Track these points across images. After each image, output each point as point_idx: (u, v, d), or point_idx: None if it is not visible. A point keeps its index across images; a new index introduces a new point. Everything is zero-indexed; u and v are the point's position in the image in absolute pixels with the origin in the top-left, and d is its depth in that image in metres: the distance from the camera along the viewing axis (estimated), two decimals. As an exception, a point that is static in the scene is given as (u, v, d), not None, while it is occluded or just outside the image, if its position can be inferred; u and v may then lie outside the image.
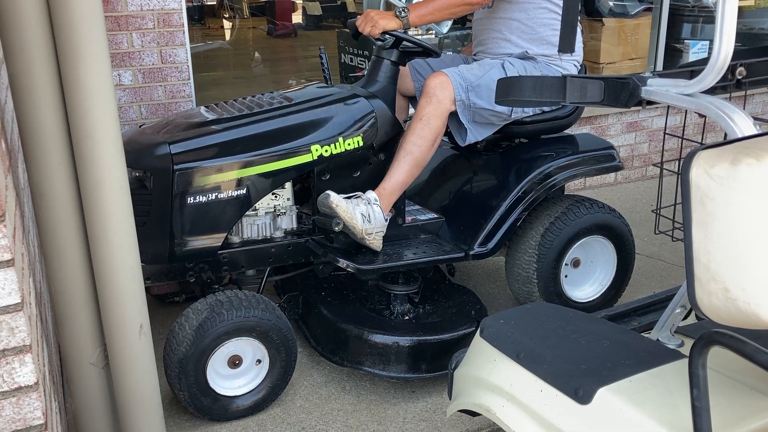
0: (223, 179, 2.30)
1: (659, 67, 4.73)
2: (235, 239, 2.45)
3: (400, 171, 2.47)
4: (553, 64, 2.60)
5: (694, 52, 5.01)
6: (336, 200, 2.32)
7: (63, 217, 1.63)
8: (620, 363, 1.42)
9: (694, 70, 1.54)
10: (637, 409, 1.28)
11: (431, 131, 2.47)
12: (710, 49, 4.52)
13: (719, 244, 1.11)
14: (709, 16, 5.80)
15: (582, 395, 1.34)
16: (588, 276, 2.83)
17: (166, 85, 3.35)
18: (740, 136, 1.31)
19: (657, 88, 1.46)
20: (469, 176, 2.85)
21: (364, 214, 2.36)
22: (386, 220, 2.44)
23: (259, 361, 2.29)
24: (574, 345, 1.52)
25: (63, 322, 1.71)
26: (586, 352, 1.48)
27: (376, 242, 2.42)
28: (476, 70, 2.56)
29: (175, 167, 2.23)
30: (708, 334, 1.09)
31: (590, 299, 2.83)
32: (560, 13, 2.53)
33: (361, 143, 2.47)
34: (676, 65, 4.99)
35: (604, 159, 2.72)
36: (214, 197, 2.30)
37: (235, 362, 2.25)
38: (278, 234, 2.52)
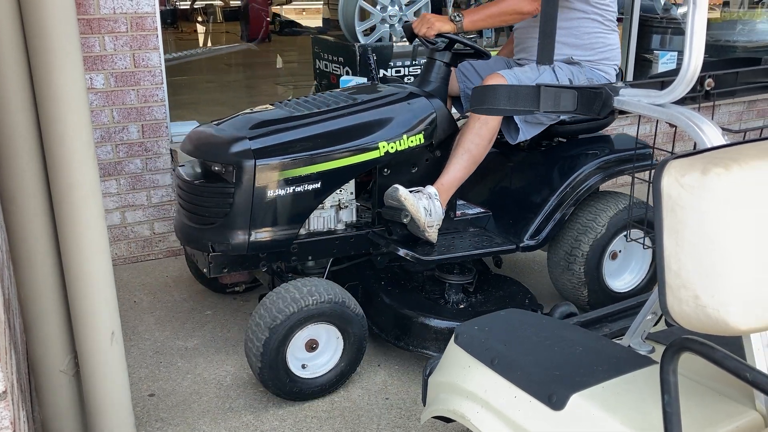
0: (300, 173, 2.44)
1: (629, 77, 4.80)
2: (302, 231, 2.56)
3: (458, 167, 2.59)
4: (596, 69, 2.76)
5: (663, 62, 5.10)
6: (404, 194, 2.44)
7: (33, 222, 1.60)
8: (593, 369, 1.43)
9: (664, 80, 1.56)
10: (609, 414, 1.30)
11: (489, 130, 2.59)
12: (679, 59, 4.64)
13: (690, 252, 1.13)
14: (677, 28, 5.92)
15: (555, 401, 1.35)
16: (625, 267, 2.99)
17: (139, 89, 3.31)
18: (709, 145, 1.33)
19: (629, 98, 1.48)
20: (513, 173, 2.98)
21: (426, 207, 2.48)
22: (443, 214, 2.56)
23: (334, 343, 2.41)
24: (548, 351, 1.54)
25: (32, 329, 1.68)
26: (559, 359, 1.49)
27: (434, 235, 2.53)
28: (529, 73, 2.69)
29: (257, 162, 2.36)
30: (679, 341, 1.11)
31: (628, 289, 2.98)
32: (603, 22, 2.77)
33: (422, 140, 2.61)
34: (645, 75, 5.07)
35: (642, 158, 2.86)
36: (291, 190, 2.45)
37: (312, 346, 2.36)
38: (340, 226, 2.65)
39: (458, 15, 2.65)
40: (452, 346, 1.68)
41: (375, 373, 2.55)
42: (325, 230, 2.61)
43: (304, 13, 11.81)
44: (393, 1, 4.32)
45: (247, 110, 2.72)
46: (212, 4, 10.24)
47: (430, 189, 2.54)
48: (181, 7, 10.22)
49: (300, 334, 2.31)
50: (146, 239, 3.50)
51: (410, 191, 2.48)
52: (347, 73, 4.22)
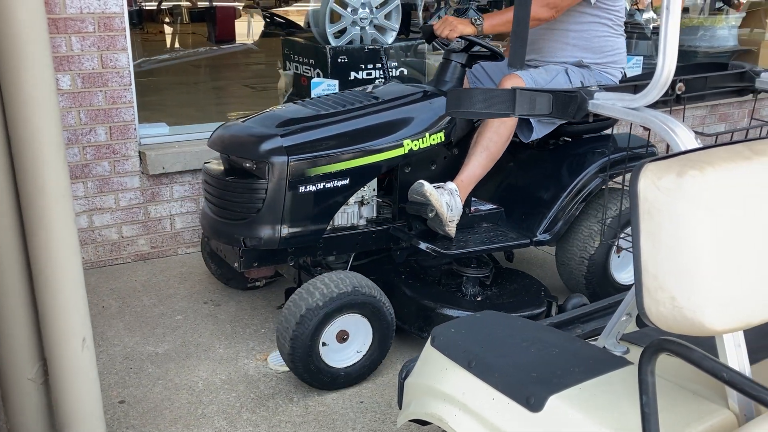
0: (329, 170, 2.52)
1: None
2: (327, 226, 2.63)
3: (477, 164, 2.68)
4: (604, 72, 2.89)
5: (629, 66, 5.17)
6: (429, 189, 2.53)
7: (1, 226, 1.56)
8: (569, 371, 1.44)
9: (637, 84, 1.59)
10: (587, 415, 1.31)
11: (507, 128, 2.67)
12: (646, 64, 4.70)
13: (667, 254, 1.15)
14: (641, 33, 6.02)
15: (533, 403, 1.36)
16: (629, 260, 3.03)
17: (107, 91, 3.25)
18: (683, 149, 1.36)
19: (603, 101, 1.50)
20: (522, 171, 3.07)
21: (447, 203, 2.57)
22: (462, 209, 2.66)
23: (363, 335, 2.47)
24: (524, 353, 1.54)
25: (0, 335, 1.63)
26: (536, 360, 1.50)
27: (453, 230, 2.62)
28: (544, 75, 2.81)
29: (290, 159, 2.44)
30: (657, 342, 1.12)
31: (632, 282, 3.07)
32: (612, 26, 2.89)
33: (443, 138, 2.71)
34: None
35: (648, 156, 2.93)
36: (321, 187, 2.53)
37: (343, 337, 2.42)
38: (362, 222, 2.75)
39: (479, 19, 2.78)
40: (429, 349, 1.68)
41: (349, 376, 2.53)
42: (348, 225, 2.70)
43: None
44: (364, 3, 4.32)
45: (272, 108, 2.80)
46: (179, 5, 10.11)
47: (451, 185, 2.63)
48: (147, 8, 10.08)
49: (333, 324, 2.37)
50: (114, 243, 3.44)
51: (437, 185, 2.59)
52: (318, 75, 4.20)
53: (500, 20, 2.79)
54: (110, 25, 3.19)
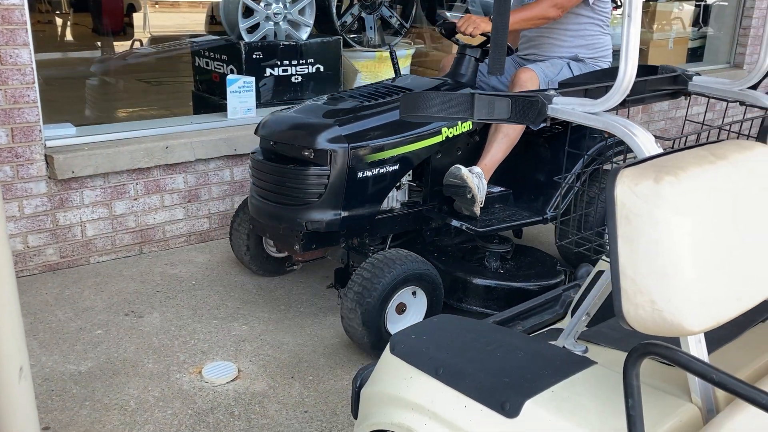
0: (383, 157, 2.76)
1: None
2: (379, 209, 2.87)
3: (498, 149, 2.94)
4: (596, 65, 3.27)
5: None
6: (466, 173, 2.79)
7: None
8: (539, 374, 1.45)
9: (587, 88, 1.62)
10: (564, 418, 1.32)
11: None
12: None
13: (645, 259, 1.17)
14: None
15: (509, 409, 1.36)
16: None
17: (7, 90, 3.00)
18: (645, 152, 1.39)
19: (563, 106, 1.52)
20: (525, 155, 3.23)
21: (477, 185, 2.82)
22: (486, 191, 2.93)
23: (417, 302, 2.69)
24: (491, 357, 1.54)
25: None
26: (505, 365, 1.50)
27: (479, 210, 2.89)
28: (552, 69, 3.14)
29: (350, 146, 2.65)
30: (642, 346, 1.15)
31: None
32: (601, 26, 3.24)
33: (470, 126, 2.99)
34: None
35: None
36: (376, 172, 2.76)
37: (402, 309, 2.65)
38: (398, 205, 2.98)
39: None
40: (389, 357, 1.65)
41: (289, 385, 2.47)
42: (388, 209, 2.93)
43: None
44: (277, -2, 4.21)
45: (311, 100, 3.01)
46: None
47: (477, 169, 2.89)
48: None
49: (396, 296, 2.58)
50: (19, 254, 3.18)
51: (468, 168, 2.83)
52: (231, 72, 4.05)
53: (515, 19, 3.00)
54: (9, 18, 2.94)
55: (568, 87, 1.67)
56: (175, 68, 6.92)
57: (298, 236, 2.72)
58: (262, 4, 4.17)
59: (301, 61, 4.21)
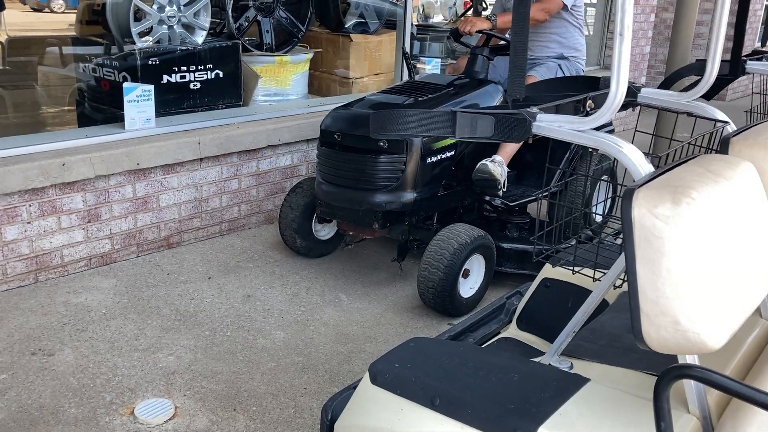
0: (444, 144, 3.21)
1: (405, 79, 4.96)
2: (440, 191, 3.31)
3: None
4: (577, 63, 3.79)
5: (430, 69, 5.38)
6: (493, 168, 3.18)
7: None
8: (541, 397, 1.43)
9: (577, 105, 1.62)
10: (583, 441, 1.31)
11: None
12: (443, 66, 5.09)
13: (668, 280, 1.17)
14: (435, 36, 6.30)
15: (524, 438, 1.32)
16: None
17: None
18: (639, 169, 1.40)
19: (548, 124, 1.50)
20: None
21: (501, 173, 3.20)
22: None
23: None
24: (487, 382, 1.50)
25: None
26: (503, 390, 1.47)
27: (501, 192, 3.30)
28: (548, 72, 3.61)
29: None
30: (675, 369, 1.14)
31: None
32: (578, 27, 3.76)
33: None
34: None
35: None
36: (439, 158, 3.23)
37: (466, 274, 3.10)
38: (444, 185, 3.37)
39: (493, 16, 3.50)
40: (369, 388, 1.57)
41: (233, 419, 2.31)
42: (442, 189, 3.34)
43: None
44: (171, 1, 3.96)
45: (363, 96, 3.37)
46: None
47: (498, 158, 3.27)
48: None
49: (466, 264, 3.02)
50: None
51: (491, 161, 3.21)
52: (125, 79, 3.76)
53: (508, 18, 3.40)
54: None
55: (538, 96, 1.66)
56: (46, 75, 6.35)
57: (377, 217, 3.11)
58: (155, 6, 3.91)
59: (199, 67, 3.99)
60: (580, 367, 1.66)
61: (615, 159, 3.51)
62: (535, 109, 1.52)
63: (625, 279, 1.89)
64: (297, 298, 3.17)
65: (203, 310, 3.01)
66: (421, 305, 3.13)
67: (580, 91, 1.97)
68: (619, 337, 1.79)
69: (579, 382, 1.49)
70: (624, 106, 1.98)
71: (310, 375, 2.57)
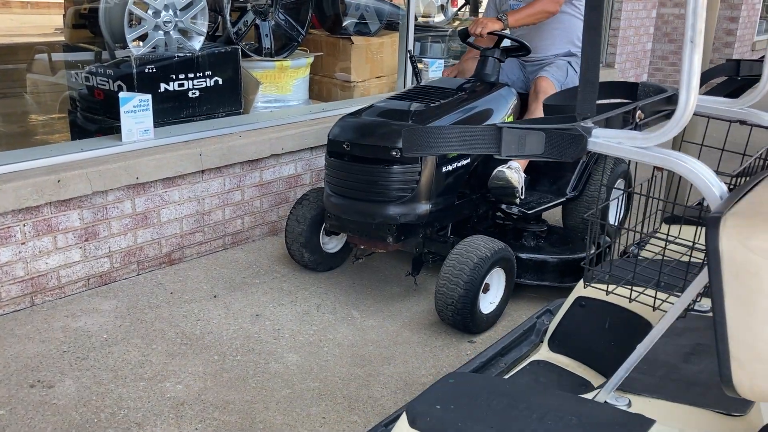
0: (458, 153, 3.01)
1: (408, 83, 4.81)
2: (455, 201, 3.19)
3: None
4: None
5: (433, 70, 5.23)
6: (510, 174, 3.07)
7: None
8: (608, 444, 1.29)
9: (626, 117, 1.47)
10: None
11: None
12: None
13: (766, 321, 1.03)
14: (436, 36, 6.15)
15: (596, 494, 1.18)
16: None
17: None
18: (715, 192, 1.25)
19: (605, 140, 1.35)
20: None
21: (518, 180, 3.10)
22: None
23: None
24: (542, 427, 1.36)
25: None
26: (565, 437, 1.32)
27: (518, 200, 3.17)
28: (559, 72, 3.48)
29: None
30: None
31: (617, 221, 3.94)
32: (581, 19, 3.45)
33: (512, 119, 3.32)
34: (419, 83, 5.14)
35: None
36: (454, 167, 3.08)
37: (486, 289, 2.94)
38: (458, 195, 3.22)
39: (503, 16, 3.33)
40: (409, 432, 1.42)
41: (250, 454, 2.15)
42: (457, 199, 3.20)
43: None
44: (167, 6, 3.80)
45: (372, 104, 3.18)
46: None
47: (515, 164, 3.13)
48: None
49: (487, 278, 2.87)
50: None
51: (508, 167, 3.09)
52: (120, 89, 3.59)
53: (520, 15, 3.32)
54: None
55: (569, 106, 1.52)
56: (35, 83, 6.16)
57: (391, 230, 2.95)
58: (150, 11, 3.74)
59: (198, 74, 3.83)
60: (639, 404, 1.52)
61: (629, 162, 3.42)
62: (590, 123, 1.37)
63: (665, 300, 1.74)
64: (308, 317, 3.02)
65: (210, 332, 2.85)
66: (438, 321, 2.98)
67: (618, 99, 1.84)
68: (676, 367, 1.65)
69: (644, 424, 1.35)
70: (667, 115, 1.85)
71: (328, 403, 2.42)
